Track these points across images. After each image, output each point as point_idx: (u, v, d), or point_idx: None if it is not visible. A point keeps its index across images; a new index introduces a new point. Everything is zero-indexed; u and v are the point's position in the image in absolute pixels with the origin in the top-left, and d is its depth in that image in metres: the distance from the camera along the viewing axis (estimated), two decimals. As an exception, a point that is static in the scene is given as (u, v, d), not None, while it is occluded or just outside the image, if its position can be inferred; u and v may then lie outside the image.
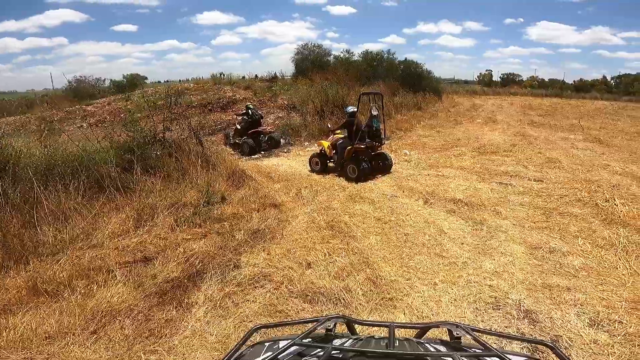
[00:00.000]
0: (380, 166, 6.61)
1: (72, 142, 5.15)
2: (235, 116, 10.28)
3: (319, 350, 0.76)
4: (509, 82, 39.57)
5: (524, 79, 40.36)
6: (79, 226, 4.04)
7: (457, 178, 6.15)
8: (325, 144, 6.94)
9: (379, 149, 6.67)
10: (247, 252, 3.82)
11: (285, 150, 9.46)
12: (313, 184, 5.93)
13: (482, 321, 2.70)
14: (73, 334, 2.59)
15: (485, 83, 39.68)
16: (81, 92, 18.42)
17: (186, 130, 6.31)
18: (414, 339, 0.90)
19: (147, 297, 3.02)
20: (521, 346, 2.24)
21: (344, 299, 2.99)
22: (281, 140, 9.86)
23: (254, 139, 9.12)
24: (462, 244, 3.91)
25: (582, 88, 33.92)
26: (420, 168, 6.92)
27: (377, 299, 2.99)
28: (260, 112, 10.00)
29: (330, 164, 6.95)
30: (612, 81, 36.17)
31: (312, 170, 6.99)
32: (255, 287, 3.21)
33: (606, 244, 3.81)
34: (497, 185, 5.77)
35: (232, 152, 8.94)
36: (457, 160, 7.39)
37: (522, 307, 2.79)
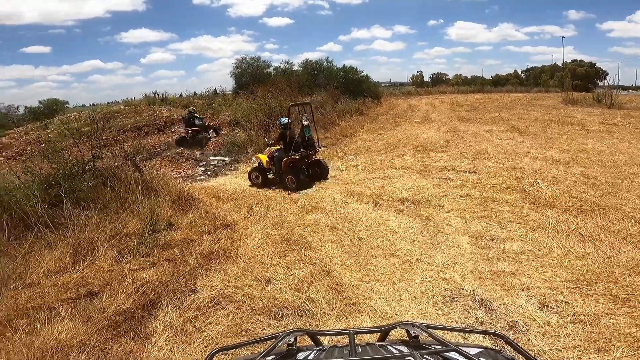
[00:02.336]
0: (317, 173, 6.82)
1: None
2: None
3: None
4: (438, 81, 42.49)
5: (450, 77, 43.59)
6: (9, 267, 3.59)
7: (402, 177, 6.40)
8: (263, 157, 6.99)
9: (314, 157, 6.86)
10: (203, 275, 3.65)
11: (232, 169, 9.22)
12: (264, 199, 5.83)
13: (443, 314, 2.80)
14: None
15: (418, 84, 42.17)
16: (-9, 122, 16.57)
17: (120, 156, 5.85)
18: (376, 343, 0.91)
19: (99, 331, 2.76)
20: (482, 337, 2.36)
21: (308, 310, 2.96)
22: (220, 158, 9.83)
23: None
24: (413, 241, 4.06)
25: (498, 82, 37.39)
26: (367, 172, 7.11)
27: (341, 306, 3.00)
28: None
29: (270, 176, 6.98)
30: (522, 74, 40.21)
31: (253, 185, 7.00)
32: (216, 309, 3.08)
33: (538, 226, 4.16)
34: (438, 180, 6.10)
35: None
36: (400, 160, 7.71)
37: (476, 297, 2.94)
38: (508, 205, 4.81)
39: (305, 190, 6.19)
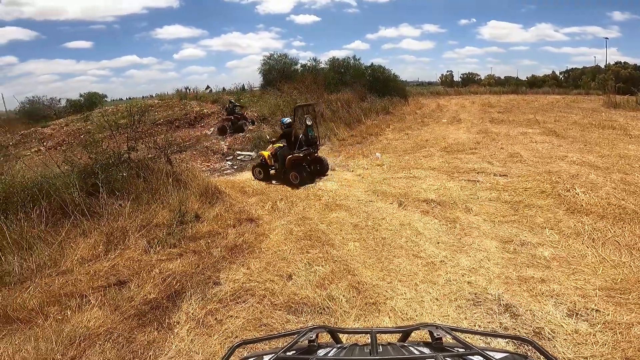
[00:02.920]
0: (318, 170, 7.19)
1: (30, 168, 4.85)
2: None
3: None
4: (469, 81, 41.09)
5: (482, 77, 42.04)
6: (45, 253, 3.81)
7: (428, 178, 6.27)
8: (266, 153, 7.29)
9: (315, 154, 7.21)
10: (226, 268, 3.72)
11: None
12: (288, 195, 5.87)
13: (466, 318, 2.72)
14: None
15: (448, 84, 40.99)
16: (35, 113, 17.49)
17: (153, 149, 6.07)
18: (397, 343, 0.90)
19: (125, 320, 2.88)
20: (505, 341, 2.27)
21: (328, 308, 2.95)
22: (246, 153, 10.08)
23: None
24: (438, 243, 3.96)
25: (534, 83, 35.59)
26: (393, 171, 7.01)
27: (361, 305, 2.97)
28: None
29: (272, 172, 7.31)
30: (561, 76, 38.14)
31: (255, 179, 7.33)
32: (238, 303, 3.12)
33: (572, 233, 3.96)
34: (466, 182, 5.92)
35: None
36: (427, 160, 7.55)
37: (501, 302, 2.84)
38: (541, 210, 4.60)
39: (307, 185, 6.53)
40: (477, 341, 2.23)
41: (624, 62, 30.61)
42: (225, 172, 8.74)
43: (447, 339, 0.82)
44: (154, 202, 4.99)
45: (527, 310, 2.72)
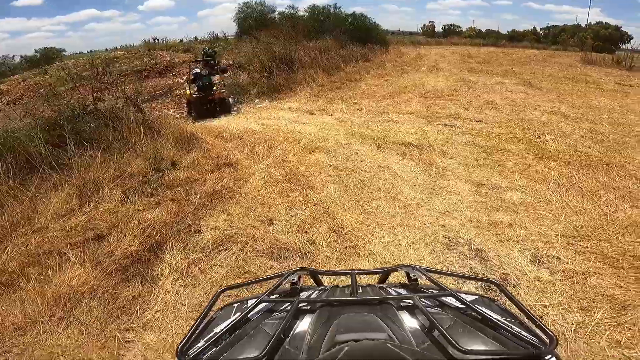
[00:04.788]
0: (219, 108, 8.40)
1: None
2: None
3: (287, 304, 0.76)
4: (450, 32, 39.35)
5: (464, 29, 40.42)
6: (17, 211, 3.48)
7: (406, 122, 6.06)
8: (187, 95, 8.63)
9: (216, 97, 8.37)
10: (207, 215, 3.53)
11: (235, 109, 8.81)
12: (267, 139, 5.56)
13: (440, 262, 2.69)
14: (42, 323, 2.29)
15: (429, 34, 39.21)
16: (-12, 70, 15.65)
17: (121, 98, 5.59)
18: (376, 285, 0.90)
19: (108, 276, 2.70)
20: (475, 285, 2.26)
21: (309, 252, 2.88)
22: (230, 100, 9.25)
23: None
24: (415, 185, 3.88)
25: (514, 37, 34.42)
26: (372, 115, 6.74)
27: (341, 249, 2.90)
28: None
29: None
30: (541, 32, 37.11)
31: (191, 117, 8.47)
32: (220, 251, 2.99)
33: (540, 178, 3.94)
34: (443, 127, 5.77)
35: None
36: (406, 106, 7.29)
37: (472, 247, 2.81)
38: (512, 155, 4.55)
39: (209, 120, 7.75)
40: (450, 284, 2.20)
41: (605, 22, 29.74)
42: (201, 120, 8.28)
43: (423, 281, 0.82)
44: (127, 151, 4.62)
45: (495, 255, 2.71)
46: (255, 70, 10.58)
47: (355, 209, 3.47)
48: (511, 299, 0.74)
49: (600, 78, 11.02)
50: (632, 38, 25.26)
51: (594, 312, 2.12)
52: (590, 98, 7.97)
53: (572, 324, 2.05)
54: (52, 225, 3.33)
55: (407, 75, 11.92)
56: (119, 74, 10.79)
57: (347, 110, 7.19)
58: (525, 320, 0.70)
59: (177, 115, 8.75)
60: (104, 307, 2.43)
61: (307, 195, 3.75)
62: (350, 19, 19.49)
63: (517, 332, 0.63)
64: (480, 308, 0.69)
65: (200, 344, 0.68)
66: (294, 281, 0.85)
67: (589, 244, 2.79)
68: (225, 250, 3.00)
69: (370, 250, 2.85)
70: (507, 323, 0.66)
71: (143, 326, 2.29)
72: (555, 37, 32.18)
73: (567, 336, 1.97)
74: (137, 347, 2.14)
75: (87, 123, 4.76)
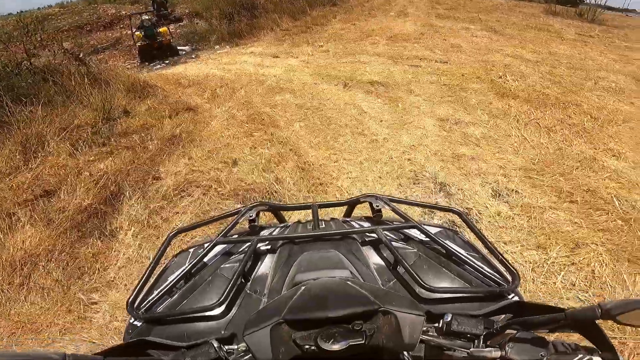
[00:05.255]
0: (168, 54, 8.36)
1: None
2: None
3: (245, 245, 0.70)
4: (418, -22, 38.08)
5: (431, -25, 39.08)
6: None
7: (373, 63, 5.85)
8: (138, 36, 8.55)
9: (162, 44, 8.32)
10: (166, 160, 3.29)
11: (193, 57, 8.16)
12: (229, 83, 5.18)
13: (406, 197, 2.68)
14: (2, 292, 2.09)
15: (396, -21, 37.68)
16: None
17: (59, 54, 5.13)
18: (340, 219, 0.87)
19: (63, 234, 2.47)
20: (439, 216, 2.27)
21: (276, 192, 2.77)
22: (187, 48, 8.73)
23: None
24: (381, 121, 3.80)
25: None
26: (338, 57, 6.43)
27: (309, 186, 2.82)
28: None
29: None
30: None
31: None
32: (183, 197, 2.81)
33: (500, 114, 4.00)
34: (409, 67, 5.63)
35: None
36: (372, 48, 6.99)
37: (437, 181, 2.82)
38: (475, 93, 4.56)
39: (164, 68, 7.54)
40: (416, 214, 2.21)
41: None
42: (155, 68, 7.68)
43: (387, 211, 0.79)
44: (71, 104, 4.19)
45: (459, 189, 2.73)
46: (213, 17, 9.76)
47: (321, 146, 3.37)
48: (474, 231, 0.71)
49: (562, 28, 11.14)
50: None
51: (550, 250, 2.17)
52: (551, 45, 8.07)
53: (530, 262, 2.10)
54: (-3, 186, 2.99)
55: (374, 19, 11.41)
56: (55, 30, 9.66)
57: (313, 52, 6.81)
58: (487, 254, 0.67)
59: (128, 66, 8.11)
60: (63, 269, 2.25)
61: (272, 134, 3.59)
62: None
63: (481, 267, 0.61)
64: (445, 241, 0.66)
65: (152, 296, 0.63)
66: (252, 218, 0.79)
67: (545, 178, 2.87)
68: (188, 195, 2.83)
69: (338, 187, 2.80)
70: (471, 258, 0.64)
71: (107, 285, 2.16)
72: (521, -12, 32.03)
73: (525, 276, 2.00)
74: (104, 308, 2.02)
75: (23, 80, 4.40)
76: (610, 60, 7.18)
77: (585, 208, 2.56)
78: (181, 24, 10.43)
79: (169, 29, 8.91)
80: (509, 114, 4.01)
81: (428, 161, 3.09)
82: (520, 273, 2.03)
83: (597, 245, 2.24)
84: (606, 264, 2.12)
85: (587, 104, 4.49)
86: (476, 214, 2.51)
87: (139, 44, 8.24)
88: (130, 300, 0.59)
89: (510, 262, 0.61)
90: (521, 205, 2.57)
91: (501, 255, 0.63)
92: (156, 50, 8.26)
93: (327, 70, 5.53)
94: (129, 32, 10.23)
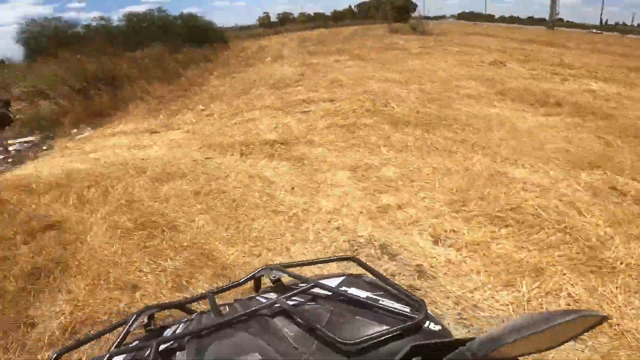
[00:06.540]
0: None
1: None
2: None
3: (147, 350, 0.60)
4: (285, 20, 41.06)
5: (296, 15, 42.52)
6: None
7: (264, 118, 5.43)
8: None
9: None
10: (36, 303, 2.34)
11: (45, 148, 6.26)
12: (99, 178, 4.12)
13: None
14: None
15: (266, 25, 39.90)
16: None
17: None
18: (244, 298, 0.77)
19: None
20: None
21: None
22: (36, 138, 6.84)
23: None
24: (293, 188, 3.34)
25: (338, 17, 38.63)
26: (225, 119, 5.86)
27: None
28: None
29: None
30: (355, 8, 42.44)
31: None
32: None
33: (402, 146, 3.94)
34: (301, 114, 5.40)
35: None
36: (258, 100, 6.64)
37: (375, 244, 2.45)
38: (371, 129, 4.49)
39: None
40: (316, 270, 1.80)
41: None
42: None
43: (287, 278, 0.74)
44: None
45: (400, 246, 2.39)
46: (62, 96, 8.07)
47: (236, 239, 2.73)
48: (373, 273, 0.70)
49: (407, 44, 12.77)
50: (417, 6, 30.49)
51: (518, 286, 1.98)
52: (407, 63, 8.95)
53: (508, 304, 1.87)
54: None
55: (253, 68, 11.30)
56: None
57: (197, 119, 6.11)
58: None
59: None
60: None
61: (172, 239, 2.82)
62: (180, 22, 17.98)
63: (390, 306, 0.59)
64: (350, 289, 0.64)
65: None
66: (145, 323, 0.69)
67: (470, 207, 2.74)
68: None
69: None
70: (379, 299, 0.61)
71: None
72: (366, 13, 37.28)
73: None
74: None
75: None
76: (455, 67, 8.22)
77: (522, 229, 2.47)
78: (19, 107, 8.43)
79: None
80: (409, 145, 3.99)
81: (357, 223, 2.72)
82: (506, 319, 1.76)
83: (554, 266, 2.12)
84: (575, 283, 2.00)
85: (463, 116, 4.81)
86: (429, 269, 2.19)
87: None
88: None
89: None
90: (465, 246, 2.35)
91: (403, 290, 0.62)
92: None
93: (217, 138, 4.89)
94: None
